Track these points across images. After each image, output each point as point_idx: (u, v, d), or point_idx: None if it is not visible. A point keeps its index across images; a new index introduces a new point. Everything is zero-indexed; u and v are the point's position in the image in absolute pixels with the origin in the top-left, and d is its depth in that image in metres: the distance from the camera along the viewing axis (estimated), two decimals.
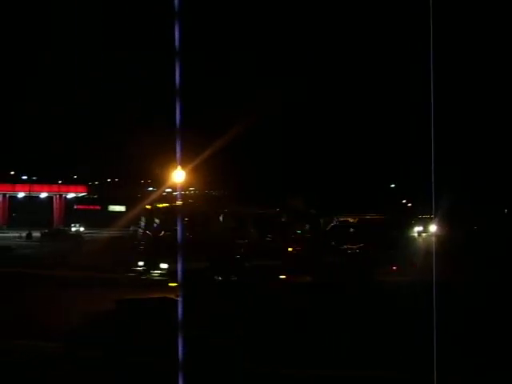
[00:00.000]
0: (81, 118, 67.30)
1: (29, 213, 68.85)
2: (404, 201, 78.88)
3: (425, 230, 63.19)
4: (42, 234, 59.89)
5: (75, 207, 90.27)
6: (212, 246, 23.48)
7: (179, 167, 12.18)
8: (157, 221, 29.17)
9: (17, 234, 62.00)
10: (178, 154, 7.65)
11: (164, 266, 22.96)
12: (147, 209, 34.99)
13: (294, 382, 9.45)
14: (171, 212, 22.50)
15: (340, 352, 10.73)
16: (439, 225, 58.16)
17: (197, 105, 40.65)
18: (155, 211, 26.57)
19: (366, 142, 55.56)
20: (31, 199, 76.50)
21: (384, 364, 10.12)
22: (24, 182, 78.02)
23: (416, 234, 61.59)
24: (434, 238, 50.90)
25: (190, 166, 31.59)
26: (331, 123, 53.55)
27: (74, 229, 72.26)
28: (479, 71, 55.16)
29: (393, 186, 72.92)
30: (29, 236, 61.22)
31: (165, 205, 31.50)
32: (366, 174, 59.49)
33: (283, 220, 30.32)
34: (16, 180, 79.54)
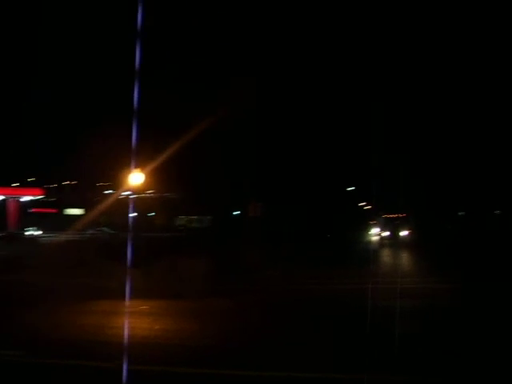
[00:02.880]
0: (38, 118, 66.32)
1: None
2: (363, 203, 79.58)
3: (393, 234, 53.37)
4: None
5: (30, 210, 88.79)
6: None
7: (137, 170, 12.05)
8: None
9: None
10: (135, 157, 7.48)
11: None
12: None
13: None
14: None
15: None
16: (410, 227, 52.87)
17: (156, 106, 40.32)
18: None
19: (324, 145, 55.87)
20: None
21: None
22: None
23: (375, 237, 59.43)
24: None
25: (149, 169, 31.31)
26: (288, 127, 53.65)
27: (28, 232, 71.12)
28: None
29: (351, 188, 73.40)
30: None
31: None
32: (325, 176, 59.80)
33: None
34: None
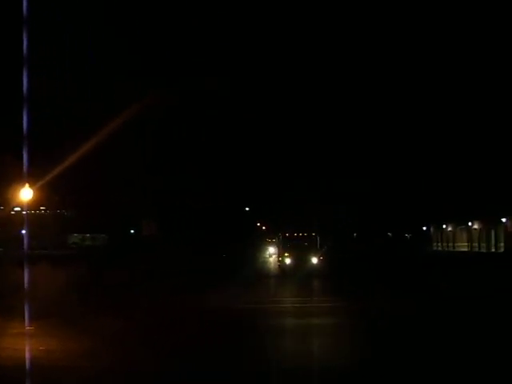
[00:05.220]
0: None
1: None
2: (258, 224, 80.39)
3: (299, 260, 38.67)
4: None
5: None
6: None
7: (26, 185, 11.58)
8: None
9: None
10: (25, 171, 7.22)
11: None
12: None
13: None
14: None
15: None
16: (321, 252, 39.96)
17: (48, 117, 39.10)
18: None
19: (219, 165, 56.12)
20: None
21: None
22: None
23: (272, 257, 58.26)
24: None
25: (40, 184, 30.21)
26: (185, 144, 53.58)
27: None
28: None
29: (247, 209, 74.08)
30: None
31: None
32: (222, 196, 60.05)
33: None
34: None
